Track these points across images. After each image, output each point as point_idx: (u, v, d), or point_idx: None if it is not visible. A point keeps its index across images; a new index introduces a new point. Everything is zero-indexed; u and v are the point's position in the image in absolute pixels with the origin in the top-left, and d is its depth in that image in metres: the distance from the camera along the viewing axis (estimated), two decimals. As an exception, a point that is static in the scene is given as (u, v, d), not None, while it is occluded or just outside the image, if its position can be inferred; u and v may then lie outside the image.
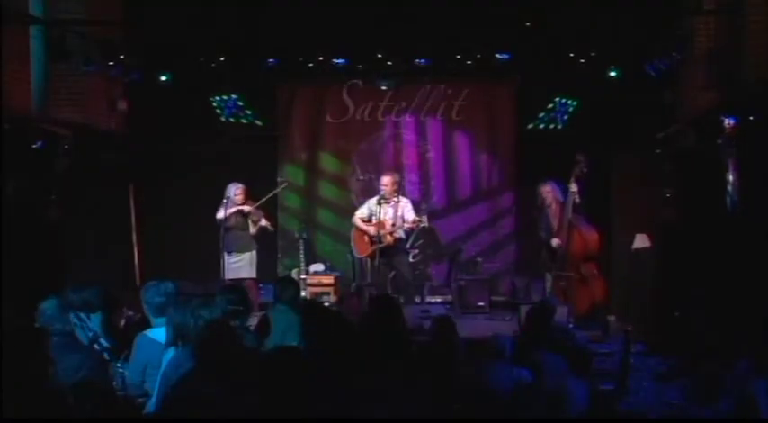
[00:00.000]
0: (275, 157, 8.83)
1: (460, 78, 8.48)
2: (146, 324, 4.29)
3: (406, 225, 7.32)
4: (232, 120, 8.75)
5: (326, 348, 3.37)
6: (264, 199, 7.56)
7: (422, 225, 7.27)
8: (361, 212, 7.65)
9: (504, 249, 8.85)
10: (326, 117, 8.80)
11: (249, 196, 7.49)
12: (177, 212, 8.25)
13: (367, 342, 3.53)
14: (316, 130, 8.83)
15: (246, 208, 7.39)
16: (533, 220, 7.55)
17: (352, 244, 7.75)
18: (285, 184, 8.14)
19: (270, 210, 7.93)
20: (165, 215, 8.26)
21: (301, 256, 8.07)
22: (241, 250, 7.39)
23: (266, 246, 7.85)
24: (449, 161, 8.88)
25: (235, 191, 7.38)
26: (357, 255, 7.68)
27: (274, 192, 7.93)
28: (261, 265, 7.63)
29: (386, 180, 7.51)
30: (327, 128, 8.82)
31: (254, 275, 7.39)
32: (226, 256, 7.28)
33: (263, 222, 7.39)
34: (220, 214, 7.28)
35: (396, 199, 7.48)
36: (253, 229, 7.38)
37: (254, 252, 7.40)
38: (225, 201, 7.31)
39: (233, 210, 7.31)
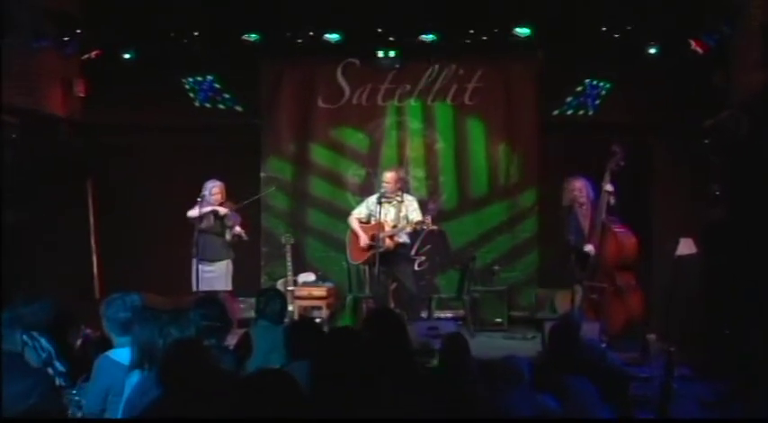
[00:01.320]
0: (258, 148, 8.82)
1: (474, 57, 8.48)
2: (106, 344, 4.30)
3: (408, 227, 7.34)
4: (207, 105, 8.76)
5: (318, 373, 3.34)
6: (246, 202, 7.59)
7: (427, 227, 7.28)
8: (359, 212, 7.72)
9: (524, 256, 8.82)
10: (318, 101, 8.79)
11: (228, 196, 7.52)
12: (142, 213, 8.30)
13: (364, 365, 3.44)
14: (306, 116, 8.81)
15: (222, 210, 7.39)
16: (559, 223, 7.53)
17: (347, 249, 7.77)
18: (272, 188, 8.29)
19: (251, 211, 7.98)
20: (129, 216, 8.30)
21: (288, 264, 8.07)
22: (215, 258, 7.40)
23: (248, 252, 7.87)
24: (460, 153, 8.85)
25: (211, 189, 7.40)
26: (352, 261, 7.70)
27: (258, 196, 8.05)
28: (242, 274, 7.69)
29: (388, 176, 7.57)
30: (319, 114, 8.80)
31: (229, 288, 7.41)
32: (199, 265, 7.27)
33: (237, 229, 7.38)
34: (193, 212, 7.30)
35: (399, 197, 7.52)
36: (228, 235, 7.41)
37: (229, 261, 7.42)
38: (200, 199, 7.34)
39: (207, 209, 7.34)
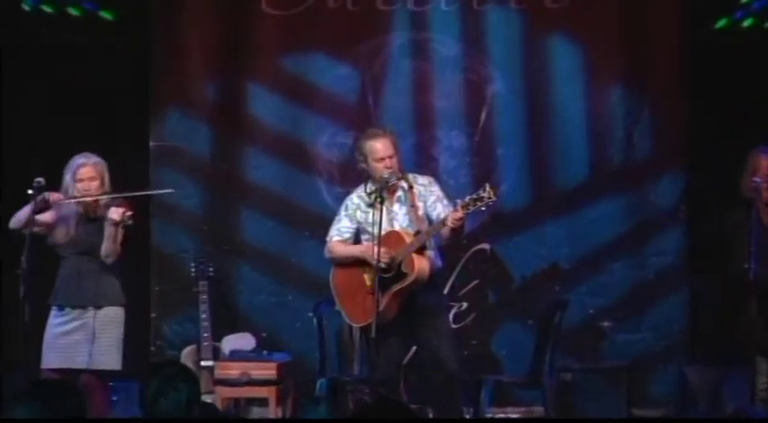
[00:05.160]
0: (145, 94, 8.78)
1: None
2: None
3: (443, 231, 7.21)
4: (48, 9, 8.70)
5: None
6: (126, 194, 7.58)
7: (486, 201, 7.02)
8: (341, 229, 7.59)
9: (661, 302, 8.61)
10: (262, 5, 8.72)
11: (105, 179, 7.54)
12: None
13: None
14: (237, 33, 8.80)
15: (92, 198, 7.43)
16: (730, 237, 7.61)
17: (338, 301, 7.56)
18: (171, 191, 8.29)
19: (135, 209, 7.79)
20: None
21: (203, 316, 8.20)
22: (88, 300, 7.39)
23: (127, 293, 7.69)
24: (536, 105, 8.72)
25: (78, 170, 7.44)
26: (353, 322, 7.57)
27: (151, 192, 8.25)
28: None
29: (379, 147, 7.35)
30: (263, 28, 8.77)
31: (117, 367, 7.43)
32: (52, 314, 7.34)
33: (119, 210, 7.39)
34: (22, 216, 7.33)
35: (405, 182, 7.38)
36: (108, 249, 7.36)
37: (117, 309, 7.47)
38: (33, 194, 7.24)
39: (70, 201, 7.38)
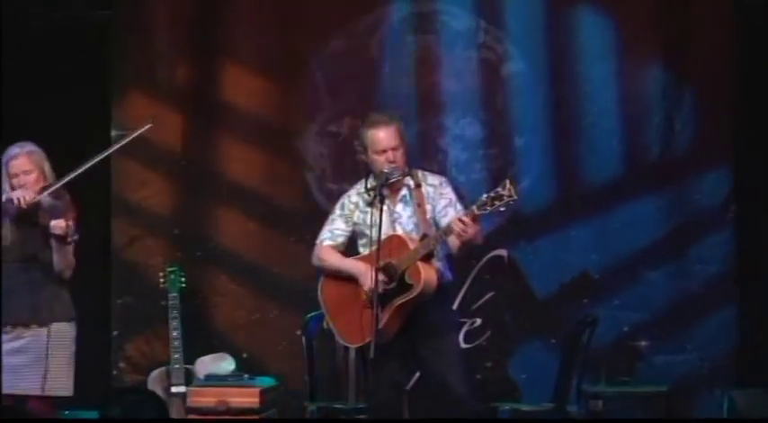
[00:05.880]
0: (105, 75, 8.63)
1: None
2: None
3: (450, 238, 6.91)
4: None
5: None
6: (81, 169, 7.17)
7: (506, 200, 6.66)
8: (334, 232, 7.32)
9: (706, 318, 8.34)
10: None
11: (45, 170, 7.21)
12: None
13: None
14: (212, 6, 8.63)
15: (31, 196, 7.03)
16: None
17: (328, 318, 7.23)
18: (149, 125, 7.76)
19: (91, 208, 7.64)
20: None
21: (173, 332, 8.03)
22: (30, 317, 7.08)
23: (82, 306, 7.35)
24: (562, 87, 8.49)
25: (10, 163, 7.23)
26: (347, 342, 7.31)
27: (115, 147, 7.68)
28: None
29: (382, 136, 7.09)
30: (244, 2, 8.64)
31: (68, 393, 7.04)
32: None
33: (61, 224, 6.98)
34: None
35: (411, 179, 7.14)
36: (59, 264, 7.08)
37: (65, 325, 7.12)
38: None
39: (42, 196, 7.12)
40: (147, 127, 7.67)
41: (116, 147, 7.77)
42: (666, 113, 8.40)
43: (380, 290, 6.87)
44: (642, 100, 8.41)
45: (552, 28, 8.47)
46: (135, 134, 7.65)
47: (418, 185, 7.05)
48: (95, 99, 8.53)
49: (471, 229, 6.70)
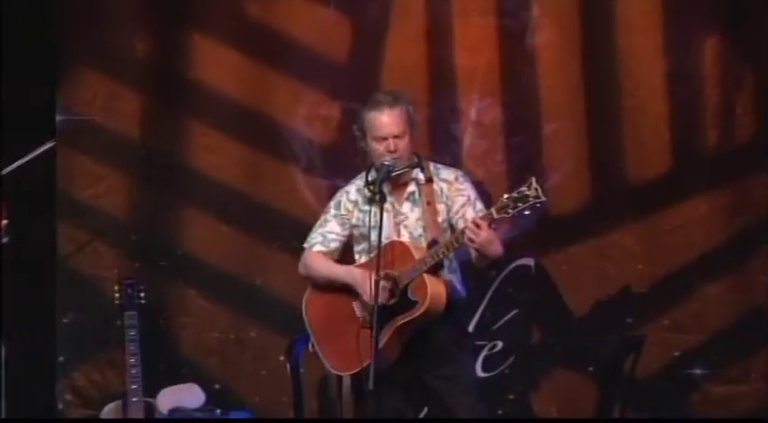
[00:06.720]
0: (53, 52, 8.30)
1: None
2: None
3: (468, 240, 6.52)
4: None
5: None
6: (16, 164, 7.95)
7: (532, 201, 6.38)
8: (325, 236, 7.05)
9: None
10: None
11: None
12: None
13: None
14: None
15: None
16: None
17: (312, 341, 6.91)
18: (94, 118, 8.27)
19: (31, 208, 8.07)
20: None
21: (131, 359, 7.80)
22: None
23: (26, 326, 8.07)
24: (599, 63, 8.09)
25: None
26: (335, 369, 6.96)
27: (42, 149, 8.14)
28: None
29: (386, 120, 6.77)
30: None
31: None
32: None
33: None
34: None
35: (421, 174, 6.85)
36: None
37: None
38: None
39: None
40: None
41: (27, 158, 7.79)
42: (724, 96, 7.99)
43: (381, 302, 6.38)
44: (694, 80, 8.00)
45: (582, 12, 8.21)
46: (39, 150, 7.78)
47: (429, 180, 6.66)
48: (40, 77, 8.11)
49: (483, 234, 6.24)
